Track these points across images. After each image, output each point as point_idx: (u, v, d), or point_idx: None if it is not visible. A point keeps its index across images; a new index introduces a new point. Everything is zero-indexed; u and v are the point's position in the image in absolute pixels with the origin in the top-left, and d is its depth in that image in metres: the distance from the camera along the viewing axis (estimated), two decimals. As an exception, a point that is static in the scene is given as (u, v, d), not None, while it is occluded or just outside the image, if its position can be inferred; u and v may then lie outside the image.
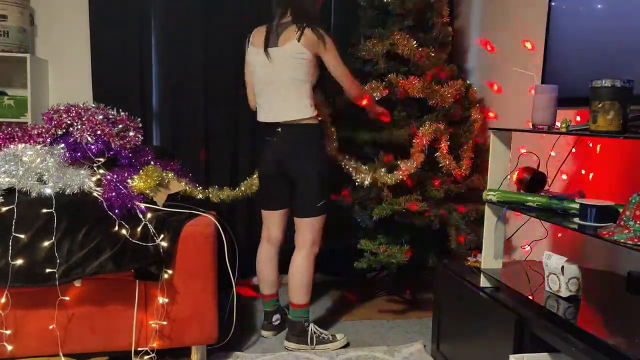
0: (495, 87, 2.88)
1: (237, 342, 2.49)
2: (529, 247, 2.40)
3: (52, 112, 2.32)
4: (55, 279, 1.93)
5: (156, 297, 2.08)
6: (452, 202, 2.76)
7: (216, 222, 2.18)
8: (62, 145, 2.22)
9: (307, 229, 2.44)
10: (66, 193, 2.04)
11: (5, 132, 2.28)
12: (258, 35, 2.45)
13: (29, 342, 2.03)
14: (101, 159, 2.25)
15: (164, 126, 3.22)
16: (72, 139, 2.25)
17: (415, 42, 2.75)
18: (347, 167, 2.69)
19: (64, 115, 2.29)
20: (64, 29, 3.15)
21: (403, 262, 2.64)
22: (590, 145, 2.14)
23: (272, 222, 2.58)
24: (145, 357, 2.12)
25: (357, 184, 2.66)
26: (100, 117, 2.32)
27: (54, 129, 2.27)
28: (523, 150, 2.45)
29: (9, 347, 2.00)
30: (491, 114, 2.91)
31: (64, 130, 2.28)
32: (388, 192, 2.67)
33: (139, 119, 2.50)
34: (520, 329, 1.69)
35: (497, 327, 1.80)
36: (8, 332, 2.00)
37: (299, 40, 2.31)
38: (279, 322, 2.63)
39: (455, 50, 3.12)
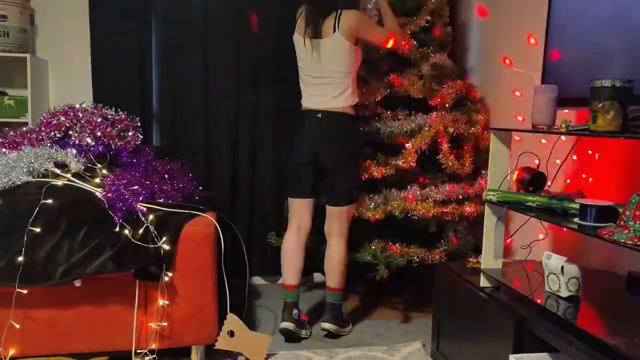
0: (495, 87, 2.88)
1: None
2: (529, 247, 2.40)
3: (49, 116, 2.32)
4: (55, 279, 1.93)
5: (156, 297, 2.08)
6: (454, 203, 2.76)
7: (216, 223, 2.18)
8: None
9: (345, 217, 2.54)
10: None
11: (7, 137, 2.29)
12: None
13: (30, 341, 2.03)
14: (103, 161, 2.25)
15: (164, 126, 3.22)
16: (71, 142, 2.26)
17: (415, 42, 2.76)
18: None
19: (62, 118, 2.29)
20: (64, 29, 3.15)
21: (402, 264, 2.64)
22: (590, 152, 2.15)
23: (303, 211, 2.58)
24: (146, 358, 2.12)
25: None
26: (99, 118, 2.33)
27: (53, 132, 2.28)
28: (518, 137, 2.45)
29: (10, 347, 2.00)
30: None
31: (63, 133, 2.29)
32: (387, 192, 2.67)
33: (138, 119, 2.50)
34: (520, 329, 1.69)
35: (496, 327, 1.80)
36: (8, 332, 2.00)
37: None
38: (297, 316, 2.57)
39: (455, 50, 3.12)
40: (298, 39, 2.50)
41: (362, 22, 2.44)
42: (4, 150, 2.24)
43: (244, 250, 2.51)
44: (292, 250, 2.59)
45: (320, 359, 2.37)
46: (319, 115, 2.46)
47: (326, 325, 2.54)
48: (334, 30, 2.40)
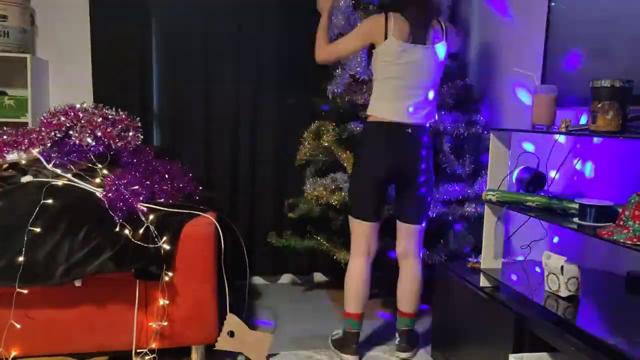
0: (496, 87, 2.88)
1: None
2: (528, 247, 2.40)
3: (50, 116, 2.32)
4: (55, 279, 1.94)
5: (156, 297, 2.08)
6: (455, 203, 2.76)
7: (216, 223, 2.18)
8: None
9: (421, 235, 2.38)
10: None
11: (8, 138, 2.29)
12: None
13: (30, 341, 2.03)
14: (104, 161, 2.25)
15: (164, 126, 3.23)
16: (72, 142, 2.26)
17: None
18: (341, 158, 2.74)
19: (63, 118, 2.29)
20: (65, 29, 3.15)
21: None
22: (588, 152, 2.15)
23: (373, 234, 2.34)
24: (146, 358, 2.12)
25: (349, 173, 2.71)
26: (100, 118, 2.33)
27: (54, 132, 2.28)
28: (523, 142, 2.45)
29: (10, 347, 2.00)
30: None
31: (64, 134, 2.29)
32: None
33: (138, 119, 2.50)
34: (520, 329, 1.69)
35: (496, 326, 1.80)
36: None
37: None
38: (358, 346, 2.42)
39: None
40: (394, 42, 2.16)
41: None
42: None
43: (244, 250, 2.50)
44: (361, 279, 2.34)
45: (321, 358, 2.37)
46: (409, 131, 2.22)
47: (405, 355, 2.38)
48: (441, 39, 2.24)
